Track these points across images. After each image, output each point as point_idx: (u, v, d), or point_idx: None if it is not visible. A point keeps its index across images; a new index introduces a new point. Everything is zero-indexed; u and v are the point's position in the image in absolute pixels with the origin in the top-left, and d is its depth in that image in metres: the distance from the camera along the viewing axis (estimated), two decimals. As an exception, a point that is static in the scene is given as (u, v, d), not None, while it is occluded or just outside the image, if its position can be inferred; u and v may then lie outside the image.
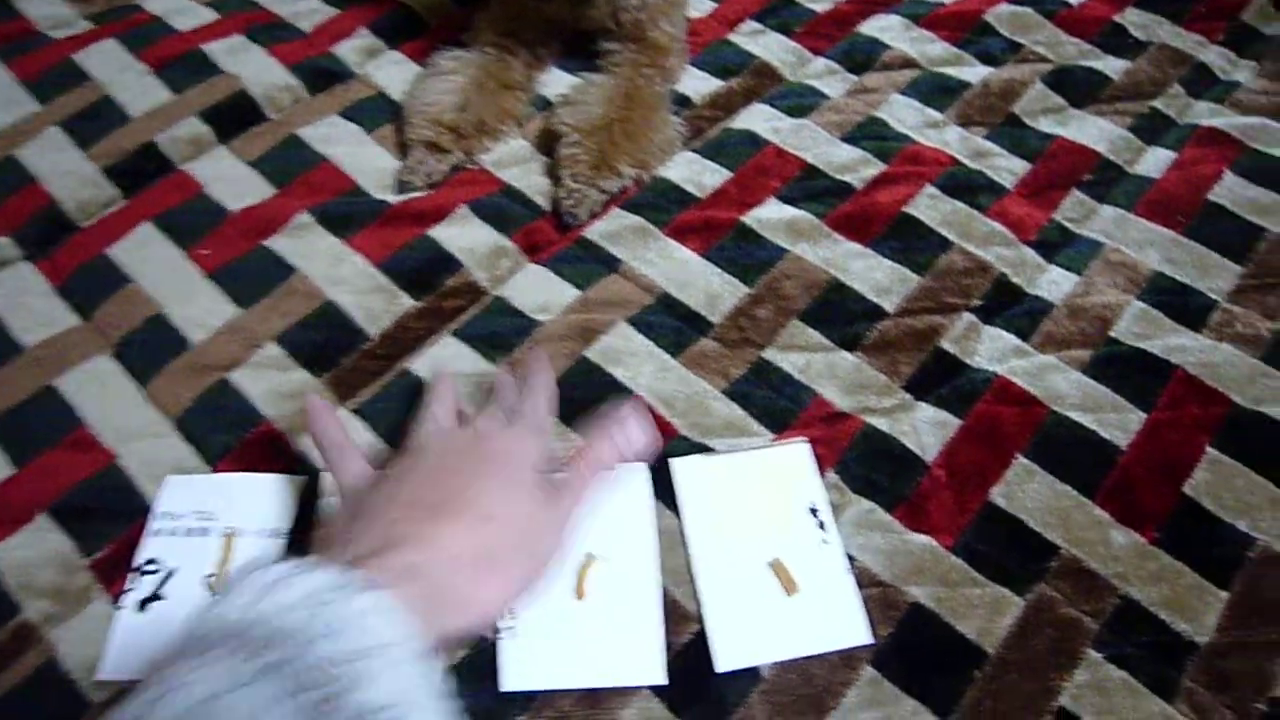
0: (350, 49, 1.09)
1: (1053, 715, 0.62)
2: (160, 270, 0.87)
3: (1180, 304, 0.83)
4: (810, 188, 0.93)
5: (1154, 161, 0.95)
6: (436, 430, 0.66)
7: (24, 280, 0.87)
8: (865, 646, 0.64)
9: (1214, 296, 0.83)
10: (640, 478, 0.72)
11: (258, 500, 0.72)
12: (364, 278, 0.85)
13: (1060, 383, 0.77)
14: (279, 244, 0.88)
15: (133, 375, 0.80)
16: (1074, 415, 0.75)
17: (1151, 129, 0.99)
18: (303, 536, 0.70)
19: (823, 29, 1.13)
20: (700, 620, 0.66)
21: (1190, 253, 0.87)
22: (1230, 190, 0.92)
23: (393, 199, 0.93)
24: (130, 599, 0.67)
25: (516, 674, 0.64)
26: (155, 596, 0.67)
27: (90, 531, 0.71)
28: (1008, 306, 0.83)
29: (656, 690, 0.63)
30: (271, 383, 0.79)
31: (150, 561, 0.69)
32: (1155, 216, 0.90)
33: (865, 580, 0.67)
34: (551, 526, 0.59)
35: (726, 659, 0.64)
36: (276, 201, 0.92)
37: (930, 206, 0.91)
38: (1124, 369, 0.78)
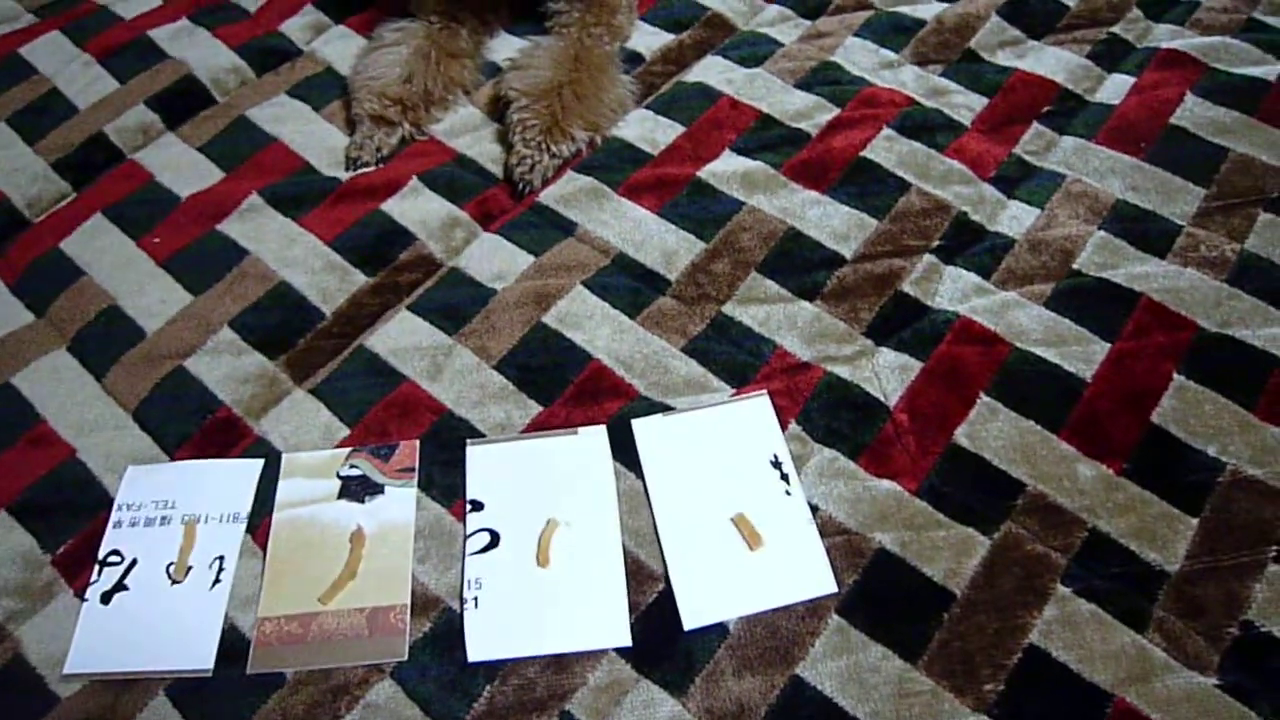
0: (296, 26, 1.07)
1: (1022, 652, 0.61)
2: (112, 261, 0.86)
3: (1143, 231, 0.81)
4: (765, 138, 0.91)
5: (1114, 88, 0.94)
6: None
7: (-24, 282, 0.86)
8: (831, 595, 0.64)
9: (1178, 221, 0.82)
10: (599, 441, 0.72)
11: (217, 486, 0.71)
12: (317, 256, 0.84)
13: (1022, 318, 0.76)
14: (230, 228, 0.87)
15: (89, 369, 0.79)
16: (1037, 350, 0.75)
17: (1110, 55, 0.97)
18: (260, 520, 0.70)
19: (777, -26, 1.11)
20: (666, 580, 0.65)
21: (1153, 178, 0.85)
22: (1191, 112, 0.90)
23: (343, 175, 0.91)
24: (94, 591, 0.67)
25: (482, 644, 0.63)
26: (119, 587, 0.67)
27: (52, 527, 0.71)
28: (968, 245, 0.82)
29: (623, 652, 0.63)
30: (228, 368, 0.78)
31: (113, 553, 0.69)
32: (1116, 144, 0.88)
33: (829, 529, 0.67)
34: None
35: (693, 616, 0.64)
36: (226, 185, 0.91)
37: (887, 149, 0.89)
38: (1087, 300, 0.77)
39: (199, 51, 1.04)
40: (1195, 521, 0.66)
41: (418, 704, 0.62)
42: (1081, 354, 0.74)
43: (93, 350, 0.80)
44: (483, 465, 0.71)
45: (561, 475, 0.70)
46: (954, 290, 0.79)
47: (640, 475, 0.70)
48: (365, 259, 0.84)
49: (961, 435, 0.71)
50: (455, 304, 0.81)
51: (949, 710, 0.59)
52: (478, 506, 0.69)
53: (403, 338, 0.79)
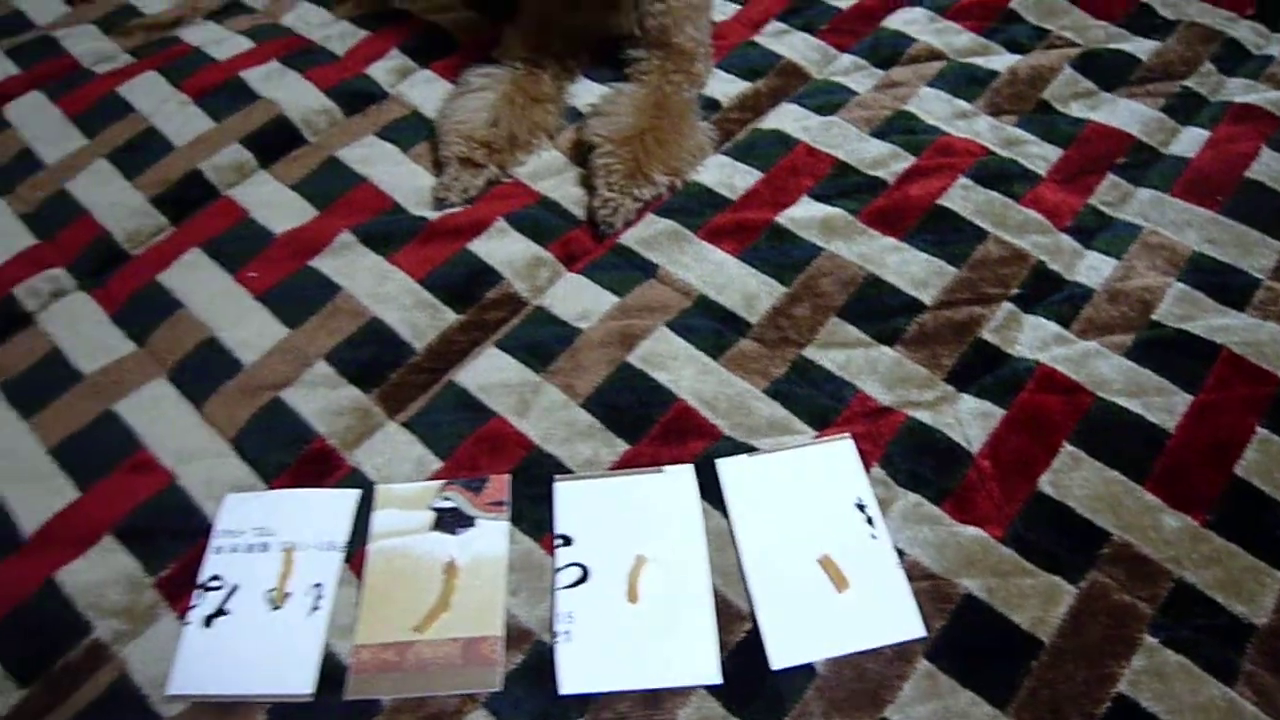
0: (383, 70, 1.11)
1: (1111, 702, 0.62)
2: (210, 294, 0.89)
3: (1222, 283, 0.82)
4: (842, 184, 0.93)
5: (1188, 141, 0.95)
6: None
7: (80, 309, 0.90)
8: (919, 639, 0.65)
9: (1256, 275, 0.83)
10: (686, 479, 0.73)
11: (314, 515, 0.74)
12: (407, 294, 0.87)
13: (1104, 368, 0.77)
14: (324, 264, 0.90)
15: (188, 398, 0.82)
16: (1119, 400, 0.75)
17: (1184, 108, 0.98)
18: (356, 549, 0.72)
19: (847, 25, 1.13)
20: (753, 619, 0.67)
21: (1230, 231, 0.86)
22: (1268, 166, 0.91)
23: (431, 215, 0.94)
24: (196, 615, 0.69)
25: (574, 677, 0.65)
26: (220, 612, 0.69)
27: (154, 551, 0.73)
28: (1047, 294, 0.83)
29: (713, 689, 0.64)
30: (323, 400, 0.80)
31: (214, 578, 0.71)
32: (1192, 196, 0.89)
33: (916, 573, 0.68)
34: None
35: (781, 656, 0.65)
36: (319, 222, 0.94)
37: (964, 197, 0.91)
38: (1168, 351, 0.78)
39: (290, 93, 1.08)
40: (1283, 575, 0.66)
41: (512, 734, 0.63)
42: (1163, 405, 0.75)
43: (191, 380, 0.83)
44: (571, 501, 0.73)
45: (649, 512, 0.72)
46: (1034, 339, 0.80)
47: (725, 514, 0.72)
48: (454, 296, 0.87)
49: (1045, 483, 0.71)
50: (541, 342, 0.83)
51: (1040, 758, 0.60)
52: (567, 541, 0.71)
53: (491, 374, 0.81)
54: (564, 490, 0.73)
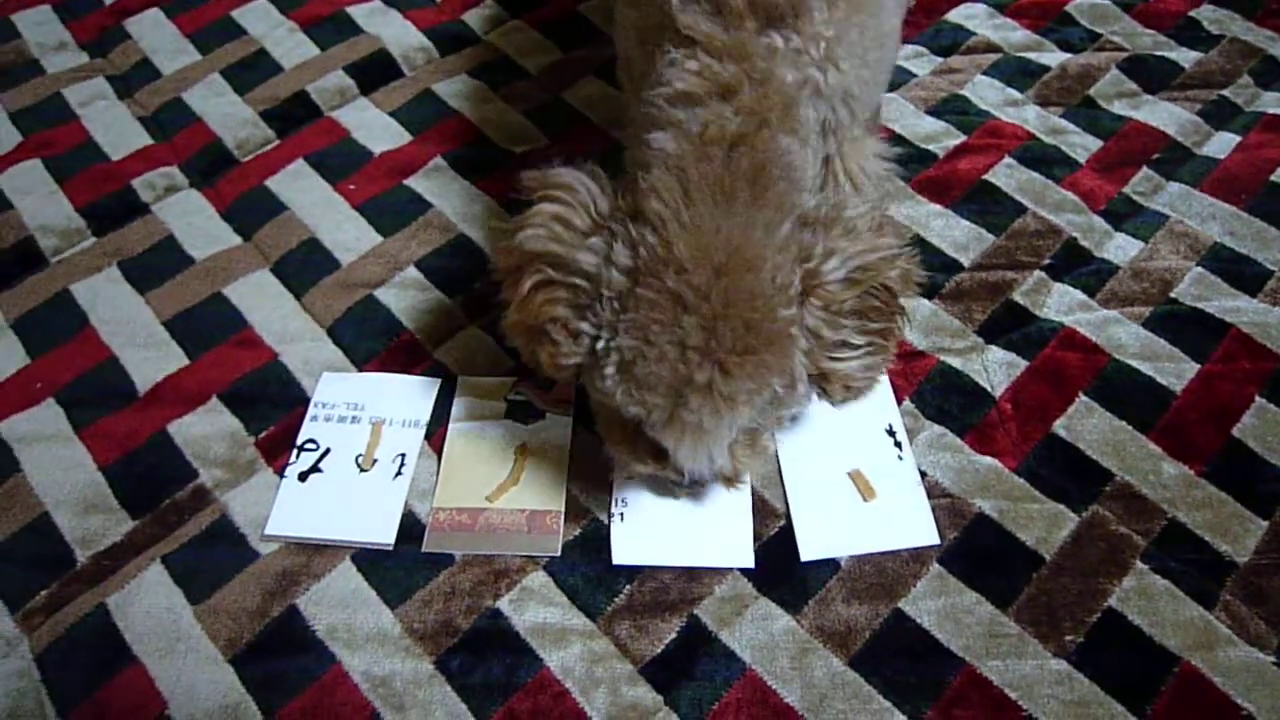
0: (477, 17, 1.19)
1: (1101, 614, 0.69)
2: (312, 201, 0.98)
3: (1238, 272, 0.89)
4: (897, 154, 1.01)
5: (1220, 144, 1.02)
6: None
7: (191, 205, 0.99)
8: (933, 546, 0.73)
9: (1271, 267, 0.90)
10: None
11: (400, 396, 0.82)
12: (494, 214, 0.95)
13: (1122, 334, 0.85)
14: (417, 183, 0.99)
15: (289, 288, 0.91)
16: (1133, 363, 0.83)
17: (1219, 114, 1.05)
18: (436, 428, 0.80)
19: (912, 17, 1.21)
20: (787, 516, 0.75)
21: (1250, 227, 0.93)
22: (1293, 172, 0.98)
23: (518, 149, 1.02)
24: (292, 471, 0.78)
25: (625, 550, 0.73)
26: (314, 469, 0.78)
27: (256, 415, 0.82)
28: (1076, 266, 0.90)
29: (746, 572, 0.72)
30: (412, 300, 0.89)
31: (310, 441, 0.80)
32: (1219, 193, 0.96)
33: (935, 492, 0.76)
34: None
35: (809, 549, 0.73)
36: (414, 146, 1.03)
37: (1008, 175, 0.98)
38: (1182, 325, 0.85)
39: (391, 30, 1.16)
40: (1265, 523, 0.73)
41: (566, 593, 0.71)
42: (1173, 370, 0.82)
43: (293, 273, 0.92)
44: None
45: None
46: (1060, 304, 0.87)
47: (770, 430, 0.79)
48: (534, 221, 0.95)
49: (1060, 427, 0.79)
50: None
51: (1033, 653, 0.68)
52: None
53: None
54: None
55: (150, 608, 0.71)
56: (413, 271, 0.91)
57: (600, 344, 0.60)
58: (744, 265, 0.57)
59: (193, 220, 0.97)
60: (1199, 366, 0.82)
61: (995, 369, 0.83)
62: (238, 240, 0.95)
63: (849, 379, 0.64)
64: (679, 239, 0.58)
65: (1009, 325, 0.86)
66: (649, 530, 0.74)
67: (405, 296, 0.89)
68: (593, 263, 0.60)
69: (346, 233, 0.95)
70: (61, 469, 0.79)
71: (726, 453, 0.65)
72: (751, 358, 0.58)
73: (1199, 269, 0.90)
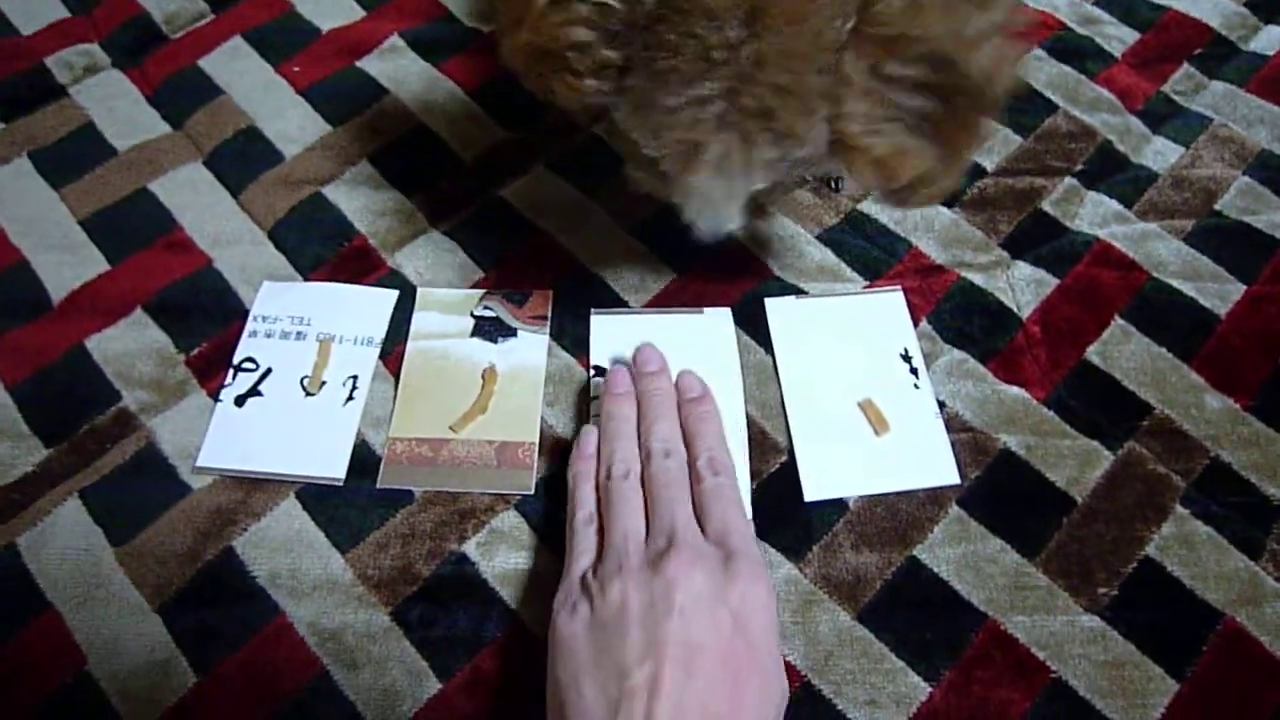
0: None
1: (1138, 563, 0.62)
2: (251, 84, 0.86)
3: (1289, 182, 0.81)
4: None
5: (1268, 39, 0.92)
6: (614, 579, 0.54)
7: (114, 87, 0.87)
8: (953, 486, 0.65)
9: (1324, 176, 0.81)
10: (724, 322, 0.72)
11: (352, 310, 0.72)
12: (456, 104, 0.84)
13: (1161, 250, 0.76)
14: (370, 65, 0.87)
15: (225, 184, 0.80)
16: (1174, 282, 0.74)
17: (1268, 5, 0.95)
18: (393, 348, 0.71)
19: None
20: (789, 452, 0.66)
21: (1302, 131, 0.84)
22: (1349, 70, 0.89)
23: (485, 29, 0.91)
24: (228, 394, 0.69)
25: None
26: (253, 393, 0.69)
27: (186, 329, 0.72)
28: (1111, 173, 0.81)
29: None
30: (365, 199, 0.78)
31: (248, 360, 0.70)
32: (1267, 94, 0.87)
33: (955, 425, 0.68)
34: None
35: (814, 489, 0.65)
36: (367, 24, 0.91)
37: (1037, 69, 0.88)
38: (1226, 241, 0.77)
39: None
40: (1318, 464, 0.66)
41: (539, 536, 0.63)
42: (1217, 291, 0.74)
43: (229, 167, 0.81)
44: (607, 333, 0.72)
45: (684, 350, 0.69)
46: (1094, 215, 0.78)
47: (770, 351, 0.71)
48: (504, 111, 0.84)
49: (1093, 353, 0.71)
50: (593, 166, 0.81)
51: (1062, 607, 0.60)
52: (600, 372, 0.70)
53: (540, 193, 0.79)
54: (600, 323, 0.72)
55: (66, 549, 0.62)
56: (366, 166, 0.80)
57: (629, 80, 0.52)
58: (785, 16, 0.47)
59: (115, 105, 0.85)
60: (1245, 287, 0.74)
61: (1022, 287, 0.74)
62: (166, 129, 0.84)
63: (881, 163, 0.53)
64: None
65: (1037, 238, 0.77)
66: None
67: (357, 195, 0.79)
68: None
69: (290, 121, 0.83)
70: (-37, 388, 0.69)
71: (737, 216, 0.58)
72: (776, 126, 0.50)
73: (1245, 178, 0.81)
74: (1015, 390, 0.69)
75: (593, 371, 0.70)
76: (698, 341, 0.71)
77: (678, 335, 0.71)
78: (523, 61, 0.55)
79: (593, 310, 0.73)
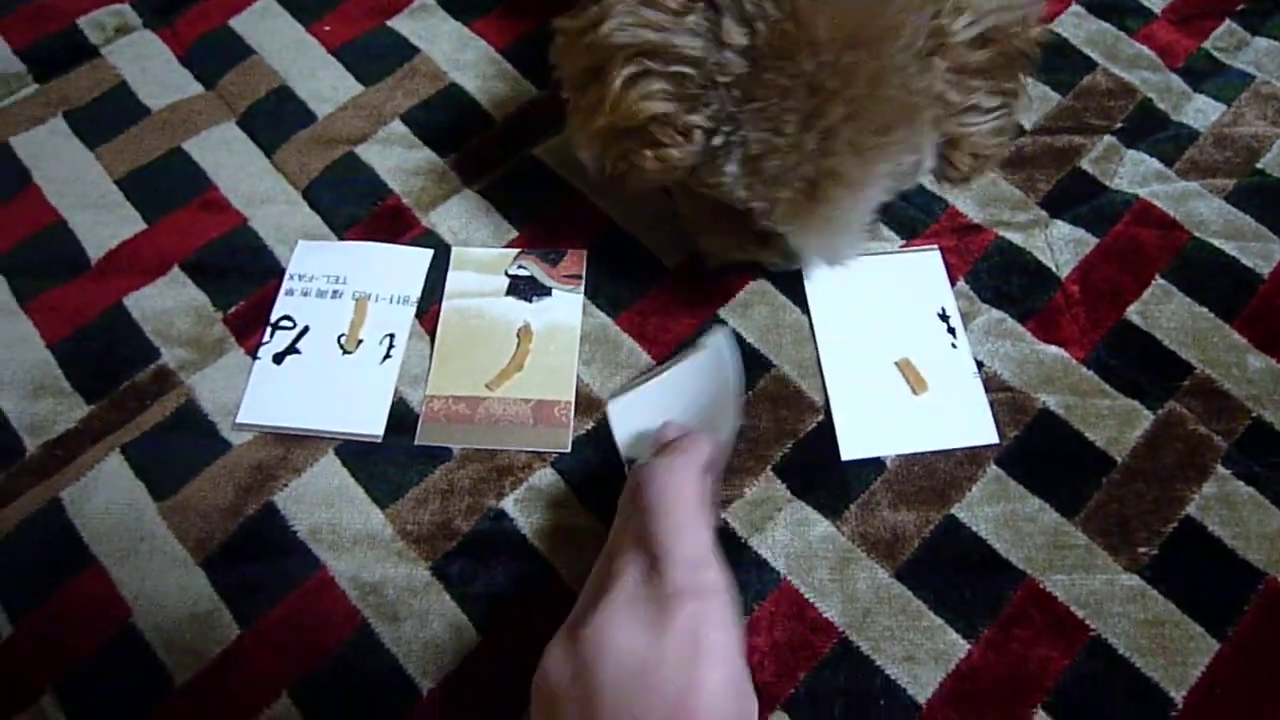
0: None
1: (1178, 522, 0.62)
2: (282, 44, 0.86)
3: (1334, 140, 0.79)
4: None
5: (1315, -5, 0.90)
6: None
7: (146, 47, 0.86)
8: (991, 446, 0.65)
9: (1369, 135, 0.80)
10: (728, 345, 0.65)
11: (387, 268, 0.72)
12: (489, 63, 0.84)
13: (1203, 209, 0.75)
14: (402, 24, 0.87)
15: (259, 144, 0.80)
16: (1215, 242, 0.73)
17: (1315, -39, 0.93)
18: (428, 306, 0.71)
19: None
20: (825, 411, 0.66)
21: (1348, 89, 0.82)
22: (1396, 27, 0.87)
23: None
24: (266, 351, 0.69)
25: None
26: (291, 350, 0.69)
27: (223, 287, 0.72)
28: (1152, 132, 0.80)
29: (778, 471, 0.64)
30: (398, 159, 0.78)
31: (285, 318, 0.70)
32: (1312, 51, 0.85)
33: (994, 385, 0.67)
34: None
35: (851, 448, 0.65)
36: (399, -19, 0.90)
37: (1075, 25, 0.87)
38: (1269, 200, 0.76)
39: None
40: (1360, 424, 0.66)
41: (577, 494, 0.63)
42: (1260, 250, 0.73)
43: (262, 127, 0.81)
44: (627, 415, 0.64)
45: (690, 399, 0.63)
46: (1134, 173, 0.77)
47: (806, 311, 0.70)
48: (538, 71, 0.83)
49: (1133, 313, 0.70)
50: (625, 126, 0.80)
51: (1101, 566, 0.60)
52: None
53: (573, 152, 0.78)
54: (618, 409, 0.64)
55: (109, 503, 0.63)
56: (398, 126, 0.80)
57: (718, 139, 0.53)
58: (880, 34, 0.49)
59: (147, 65, 0.85)
60: (1289, 247, 0.73)
61: (1061, 246, 0.73)
62: (199, 89, 0.83)
63: (978, 146, 0.57)
64: (808, 8, 0.49)
65: (1076, 197, 0.76)
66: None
67: (390, 155, 0.78)
68: (697, 46, 0.51)
69: (322, 81, 0.83)
70: (4, 346, 0.70)
71: (853, 241, 0.59)
72: (890, 137, 0.51)
73: (1289, 136, 0.80)
74: (1054, 350, 0.68)
75: (628, 468, 0.62)
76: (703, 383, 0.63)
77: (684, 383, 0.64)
78: (603, 146, 0.57)
79: (609, 400, 0.66)
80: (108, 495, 0.63)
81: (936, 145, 0.56)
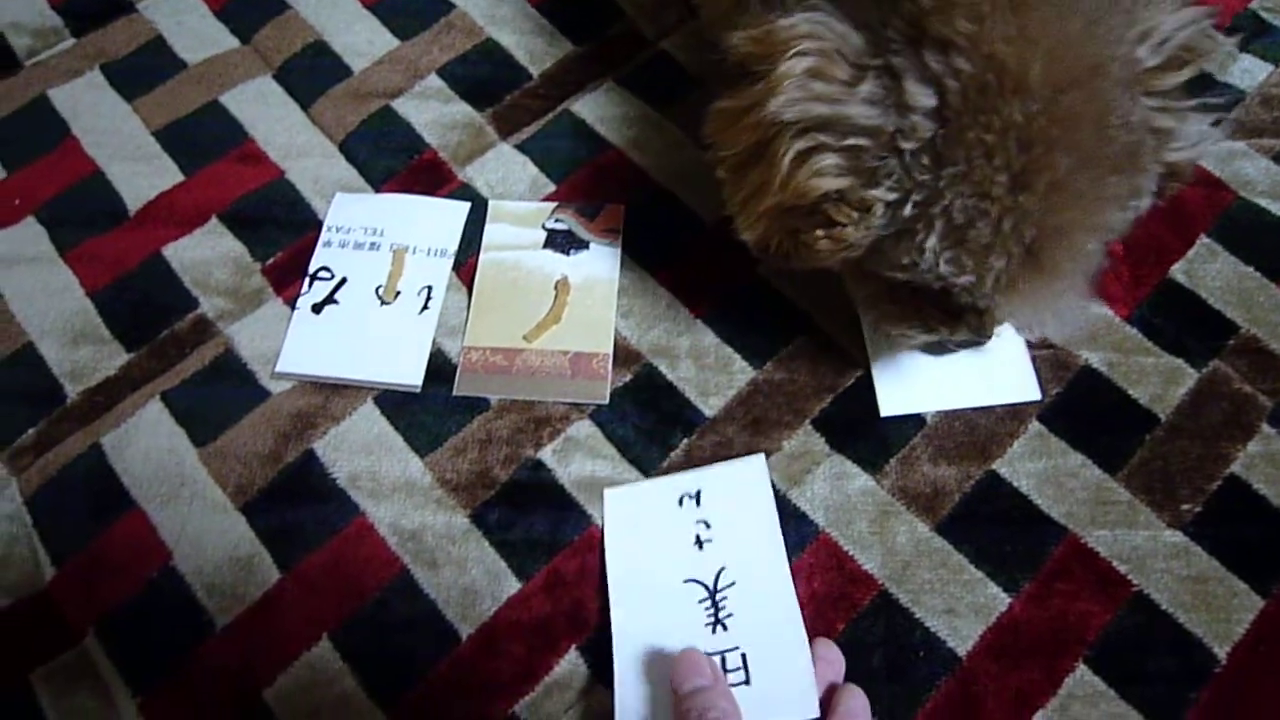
0: None
1: (1222, 480, 0.61)
2: (318, -2, 0.85)
3: (1384, 100, 0.78)
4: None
5: (1366, -45, 0.88)
6: None
7: (182, 2, 0.86)
8: (1033, 402, 0.64)
9: None
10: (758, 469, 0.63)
11: (425, 221, 0.72)
12: (526, 18, 0.83)
13: (1249, 169, 0.74)
14: (439, -22, 0.86)
15: (295, 98, 0.80)
16: (1261, 201, 0.72)
17: (1367, -80, 0.91)
18: (465, 259, 0.70)
19: None
20: (864, 366, 0.66)
21: (1400, 49, 0.81)
22: None
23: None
24: (304, 302, 0.69)
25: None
26: (329, 300, 0.69)
27: (261, 238, 0.72)
28: (1197, 92, 0.78)
29: (817, 425, 0.64)
30: (435, 113, 0.78)
31: (323, 269, 0.70)
32: (1363, 11, 0.84)
33: (1036, 342, 0.66)
34: None
35: (890, 404, 0.64)
36: (434, -63, 0.89)
37: (1121, -16, 0.85)
38: (1317, 160, 0.74)
39: None
40: None
41: (615, 445, 0.63)
42: (1307, 211, 0.72)
43: (298, 81, 0.81)
44: (623, 506, 0.63)
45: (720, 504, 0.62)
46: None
47: (845, 268, 0.70)
48: (574, 25, 0.83)
49: (1178, 271, 0.69)
50: (661, 83, 0.79)
51: (1144, 522, 0.60)
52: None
53: (610, 108, 0.78)
54: (614, 498, 0.62)
55: (150, 449, 0.64)
56: (434, 80, 0.80)
57: (909, 209, 0.48)
58: (1092, 71, 0.45)
59: (183, 19, 0.85)
60: (1336, 207, 0.72)
61: (1104, 205, 0.72)
62: (235, 42, 0.83)
63: (1191, 166, 0.53)
64: (1012, 56, 0.44)
65: (1120, 156, 0.75)
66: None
67: (427, 109, 0.78)
68: (872, 115, 0.46)
69: (358, 35, 0.83)
70: (45, 294, 0.70)
71: (1075, 306, 0.54)
72: (1120, 182, 0.47)
73: (1338, 97, 0.78)
74: (1097, 308, 0.68)
75: (608, 557, 0.60)
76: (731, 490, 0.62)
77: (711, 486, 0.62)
78: (770, 226, 0.52)
79: (605, 491, 0.62)
80: (148, 441, 0.64)
81: (1158, 179, 0.51)
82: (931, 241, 0.48)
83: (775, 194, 0.49)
